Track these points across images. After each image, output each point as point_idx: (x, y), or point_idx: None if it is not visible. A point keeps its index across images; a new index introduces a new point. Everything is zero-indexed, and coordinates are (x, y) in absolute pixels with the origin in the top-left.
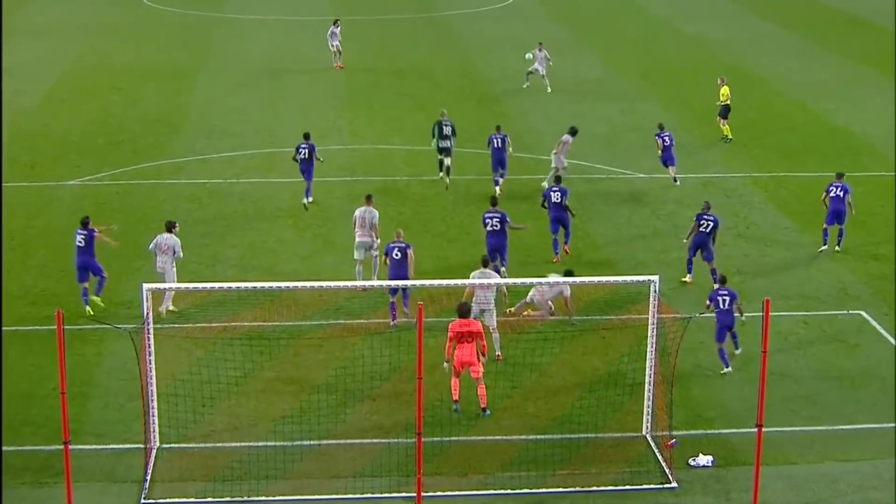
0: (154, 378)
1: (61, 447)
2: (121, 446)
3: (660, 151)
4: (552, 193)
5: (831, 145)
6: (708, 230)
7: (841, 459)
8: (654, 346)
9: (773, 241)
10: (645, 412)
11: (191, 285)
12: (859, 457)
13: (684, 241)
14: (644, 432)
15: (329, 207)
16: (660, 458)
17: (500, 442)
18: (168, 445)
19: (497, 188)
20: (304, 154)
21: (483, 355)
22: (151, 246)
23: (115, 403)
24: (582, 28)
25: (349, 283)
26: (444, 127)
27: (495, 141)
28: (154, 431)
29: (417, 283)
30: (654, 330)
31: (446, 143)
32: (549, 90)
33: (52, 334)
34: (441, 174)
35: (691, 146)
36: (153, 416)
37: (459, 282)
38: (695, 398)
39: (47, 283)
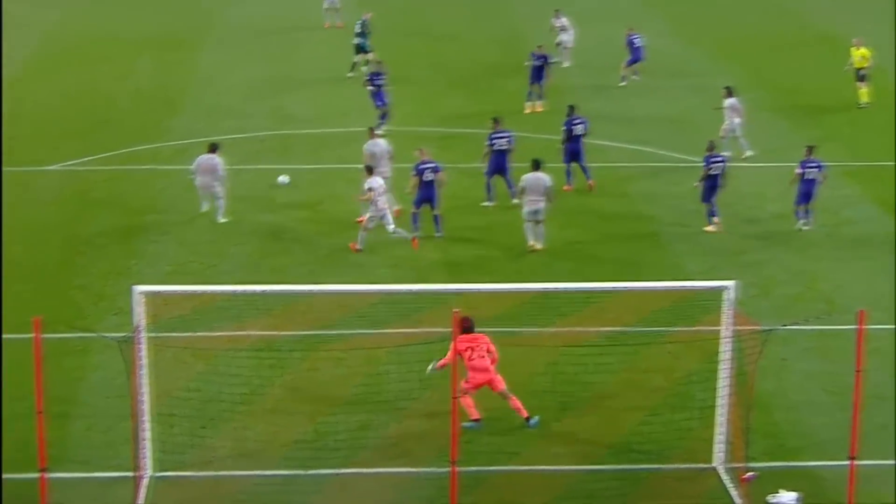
0: (147, 396)
1: (38, 475)
2: (107, 474)
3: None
4: (574, 126)
5: None
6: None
7: None
8: (728, 363)
9: (869, 243)
10: (717, 440)
11: (190, 288)
12: None
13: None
14: (716, 463)
15: (352, 199)
16: (734, 493)
17: (549, 473)
18: (162, 474)
19: None
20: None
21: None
22: (193, 166)
23: (101, 425)
24: None
25: (374, 287)
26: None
27: None
28: (146, 457)
29: (453, 287)
30: (729, 345)
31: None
32: (566, 64)
33: (27, 345)
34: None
35: (774, 130)
36: (145, 439)
37: (501, 287)
38: (777, 424)
39: (22, 286)
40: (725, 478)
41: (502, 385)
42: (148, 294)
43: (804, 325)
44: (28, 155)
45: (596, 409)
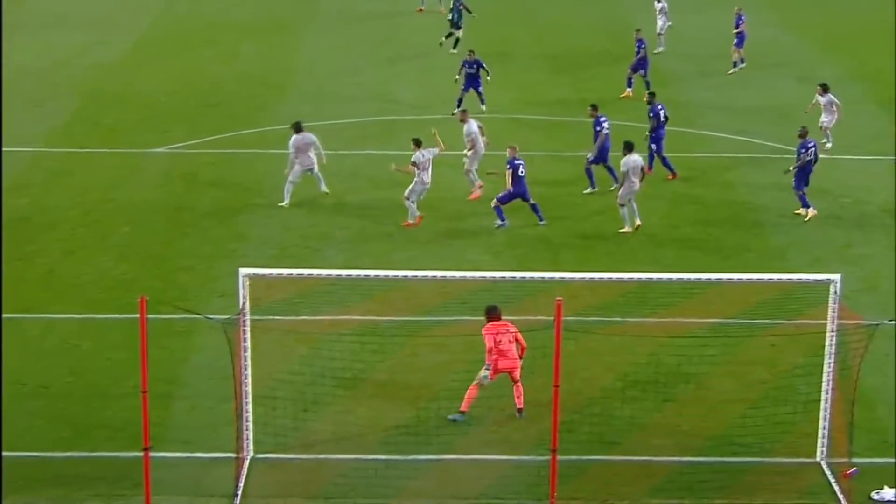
0: (249, 378)
1: (141, 454)
2: (209, 455)
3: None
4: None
5: None
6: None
7: None
8: (832, 357)
9: None
10: (820, 435)
11: (294, 271)
12: None
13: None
14: (818, 458)
15: (454, 186)
16: (836, 489)
17: (649, 463)
18: (263, 455)
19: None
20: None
21: (519, 356)
22: (292, 151)
23: (203, 405)
24: None
25: (476, 274)
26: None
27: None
28: (248, 439)
29: (556, 275)
30: (834, 338)
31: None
32: (661, 50)
33: (132, 324)
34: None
35: (879, 123)
36: (247, 421)
37: (604, 275)
38: (880, 420)
39: (127, 266)
40: (828, 473)
41: (518, 372)
42: (252, 277)
43: None
44: (136, 137)
45: (697, 400)
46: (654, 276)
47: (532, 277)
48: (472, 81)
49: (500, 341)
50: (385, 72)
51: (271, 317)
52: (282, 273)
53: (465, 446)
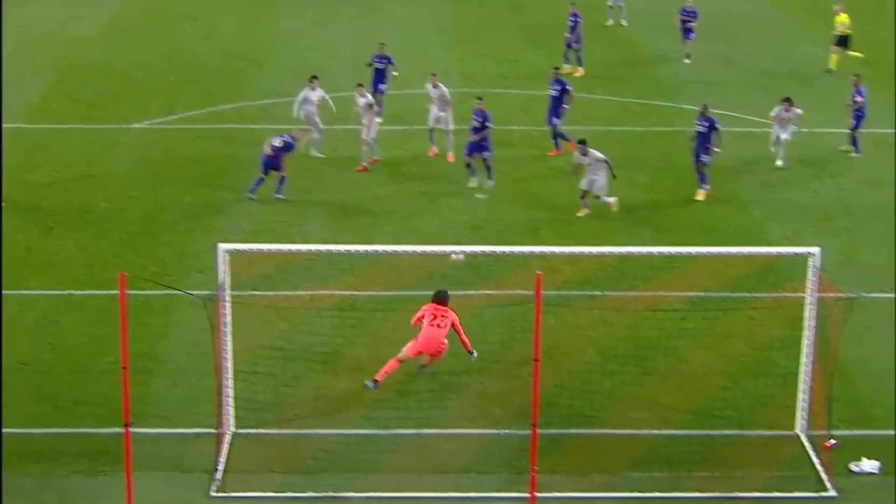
0: (230, 353)
1: (121, 430)
2: (189, 430)
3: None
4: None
5: None
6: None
7: None
8: (812, 330)
9: None
10: (799, 407)
11: (273, 246)
12: None
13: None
14: (798, 431)
15: (435, 161)
16: (816, 461)
17: (628, 437)
18: (244, 431)
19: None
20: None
21: (468, 349)
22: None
23: (183, 381)
24: None
25: (457, 248)
26: None
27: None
28: (228, 415)
29: (537, 249)
30: (813, 311)
31: None
32: (625, 23)
33: (112, 301)
34: None
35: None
36: (227, 396)
37: (583, 249)
38: (859, 392)
39: (107, 243)
40: (807, 445)
41: (440, 357)
42: (232, 252)
43: (889, 293)
44: (114, 113)
45: (677, 374)
46: (634, 249)
47: (512, 252)
48: (380, 78)
49: (433, 323)
50: (365, 45)
51: (251, 292)
52: (261, 248)
53: (445, 420)
